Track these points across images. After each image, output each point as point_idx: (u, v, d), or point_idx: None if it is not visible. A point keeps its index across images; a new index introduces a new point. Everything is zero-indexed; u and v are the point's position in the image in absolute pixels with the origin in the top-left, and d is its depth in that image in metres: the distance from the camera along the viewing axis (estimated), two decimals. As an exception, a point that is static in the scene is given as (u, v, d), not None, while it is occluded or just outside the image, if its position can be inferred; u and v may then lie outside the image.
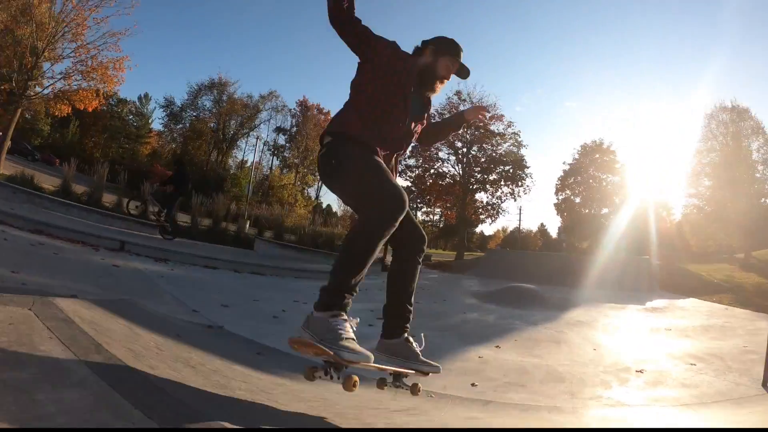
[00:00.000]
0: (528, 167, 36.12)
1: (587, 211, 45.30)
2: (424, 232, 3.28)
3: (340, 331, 2.60)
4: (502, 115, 36.07)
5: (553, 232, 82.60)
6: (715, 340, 9.20)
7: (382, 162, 2.82)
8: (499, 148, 35.94)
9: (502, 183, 35.83)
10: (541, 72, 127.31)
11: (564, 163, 47.61)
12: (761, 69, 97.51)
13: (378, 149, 2.85)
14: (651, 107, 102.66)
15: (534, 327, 9.32)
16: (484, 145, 35.76)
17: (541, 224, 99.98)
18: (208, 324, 5.52)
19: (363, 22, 2.91)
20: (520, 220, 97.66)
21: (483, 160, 35.61)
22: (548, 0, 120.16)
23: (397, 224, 2.64)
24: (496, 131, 35.85)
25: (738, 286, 20.11)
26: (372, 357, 2.60)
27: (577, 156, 46.35)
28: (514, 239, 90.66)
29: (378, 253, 2.72)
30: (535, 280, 16.69)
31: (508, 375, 5.62)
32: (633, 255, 27.36)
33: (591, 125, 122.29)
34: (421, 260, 3.26)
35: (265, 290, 9.69)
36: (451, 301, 12.16)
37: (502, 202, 36.57)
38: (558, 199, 47.45)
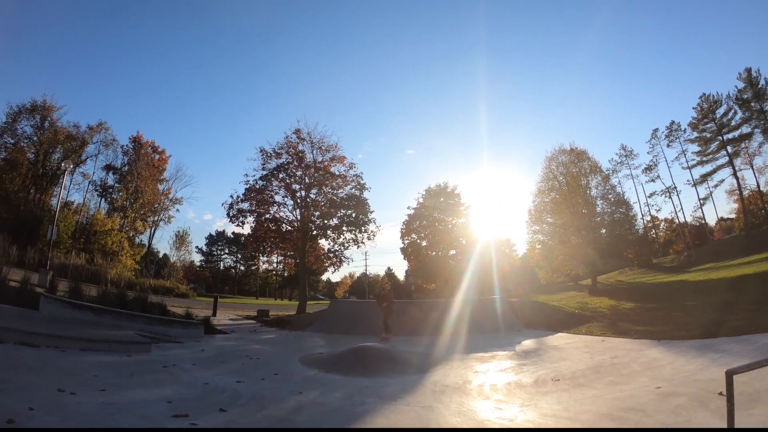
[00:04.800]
0: (372, 211, 35.05)
1: (434, 253, 46.02)
2: None
3: None
4: (344, 157, 35.21)
5: (401, 276, 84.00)
6: (616, 385, 7.87)
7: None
8: (341, 191, 34.69)
9: (345, 228, 34.50)
10: (382, 120, 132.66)
11: (408, 207, 48.04)
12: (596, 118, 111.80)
13: None
14: (492, 154, 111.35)
15: (393, 404, 7.28)
16: (323, 188, 34.31)
17: (389, 268, 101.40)
18: None
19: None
20: (366, 265, 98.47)
21: (323, 203, 34.11)
22: (389, 52, 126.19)
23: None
24: (337, 173, 34.84)
25: (596, 312, 20.26)
26: None
27: (421, 200, 47.37)
28: (362, 285, 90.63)
29: None
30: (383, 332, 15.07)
31: None
32: (486, 295, 27.20)
33: (434, 171, 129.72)
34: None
35: (25, 371, 7.07)
36: (285, 375, 9.78)
37: (345, 249, 34.98)
38: (404, 243, 47.86)
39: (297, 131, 34.15)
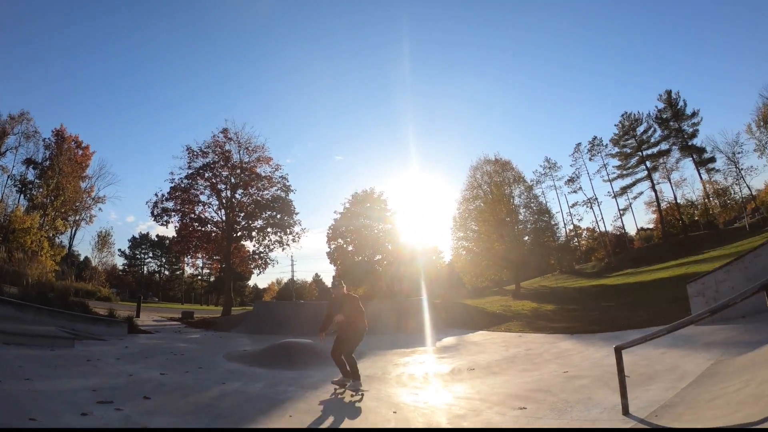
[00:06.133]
0: (297, 213, 35.00)
1: (360, 258, 46.01)
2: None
3: None
4: (270, 158, 35.16)
5: (329, 282, 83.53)
6: (527, 371, 8.28)
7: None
8: (266, 192, 34.56)
9: (270, 230, 34.49)
10: (311, 126, 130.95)
11: (335, 212, 48.03)
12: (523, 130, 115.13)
13: None
14: (419, 162, 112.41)
15: (314, 392, 7.52)
16: (249, 189, 34.07)
17: (316, 274, 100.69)
18: None
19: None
20: (293, 270, 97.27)
21: (248, 204, 33.90)
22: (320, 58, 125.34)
23: None
24: (263, 174, 34.72)
25: (518, 313, 20.97)
26: None
27: (348, 205, 47.17)
28: (289, 291, 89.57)
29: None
30: (310, 332, 15.16)
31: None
32: (410, 297, 27.61)
33: (362, 177, 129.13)
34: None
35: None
36: (209, 368, 9.83)
37: (270, 251, 34.85)
38: (330, 248, 47.56)
39: (224, 131, 33.70)
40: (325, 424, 5.53)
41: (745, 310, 9.63)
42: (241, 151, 33.90)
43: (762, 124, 50.12)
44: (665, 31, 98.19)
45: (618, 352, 4.95)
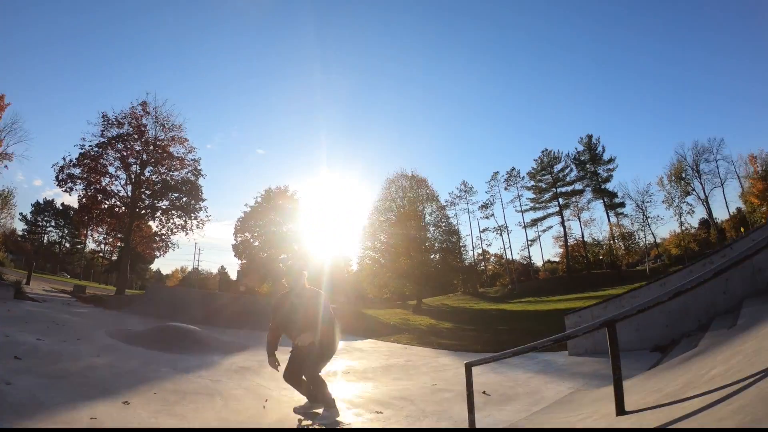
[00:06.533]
0: (204, 199, 34.34)
1: (265, 254, 45.75)
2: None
3: None
4: (185, 139, 34.32)
5: (233, 275, 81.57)
6: (399, 380, 8.43)
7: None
8: (176, 173, 33.93)
9: (174, 213, 33.73)
10: (236, 114, 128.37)
11: (246, 205, 47.57)
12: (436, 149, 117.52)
13: None
14: (336, 167, 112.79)
15: (185, 375, 7.42)
16: (159, 168, 33.27)
17: (222, 267, 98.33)
18: None
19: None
20: (197, 259, 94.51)
21: (156, 183, 33.13)
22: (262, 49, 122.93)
23: None
24: (176, 155, 33.92)
25: (414, 327, 21.33)
26: None
27: (259, 199, 47.10)
28: (192, 279, 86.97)
29: None
30: (202, 321, 15.17)
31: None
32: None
33: (280, 175, 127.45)
34: None
35: None
36: (87, 341, 9.60)
37: (172, 234, 34.15)
38: (236, 240, 47.11)
39: (143, 103, 32.82)
40: (187, 406, 5.50)
41: (620, 346, 10.16)
42: (157, 128, 33.07)
43: (673, 178, 54.22)
44: (596, 78, 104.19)
45: (468, 368, 5.10)
